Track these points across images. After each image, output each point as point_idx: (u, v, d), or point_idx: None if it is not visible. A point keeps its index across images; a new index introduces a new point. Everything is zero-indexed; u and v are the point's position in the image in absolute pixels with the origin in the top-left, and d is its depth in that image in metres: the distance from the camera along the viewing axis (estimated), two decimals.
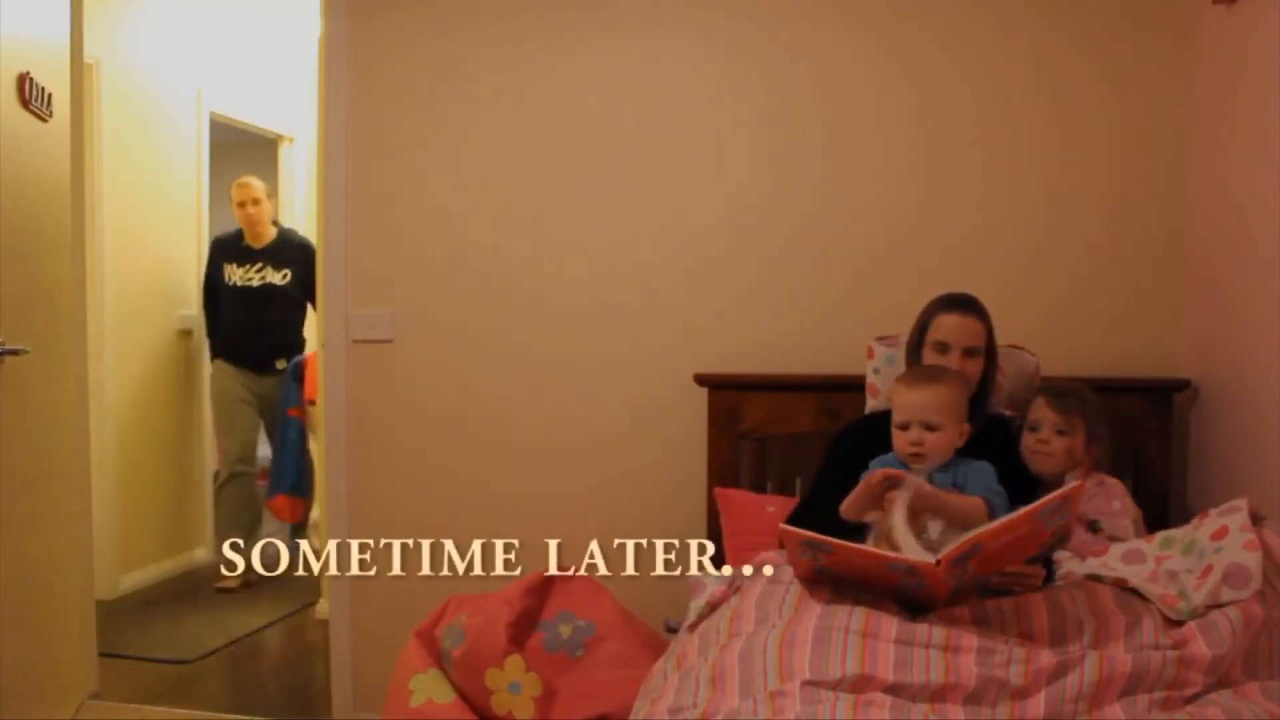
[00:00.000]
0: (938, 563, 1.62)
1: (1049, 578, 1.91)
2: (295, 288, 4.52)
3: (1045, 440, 2.17)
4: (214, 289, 4.57)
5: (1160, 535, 1.92)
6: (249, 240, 4.52)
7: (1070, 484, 1.79)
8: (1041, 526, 1.74)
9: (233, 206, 4.48)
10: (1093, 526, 2.10)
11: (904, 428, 1.94)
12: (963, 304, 2.20)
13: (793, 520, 2.11)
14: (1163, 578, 1.83)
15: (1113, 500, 2.15)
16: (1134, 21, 2.58)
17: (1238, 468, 2.19)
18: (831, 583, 1.81)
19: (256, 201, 4.47)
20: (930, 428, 1.91)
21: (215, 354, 4.59)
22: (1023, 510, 1.68)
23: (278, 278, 4.49)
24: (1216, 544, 1.78)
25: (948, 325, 2.18)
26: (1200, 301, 2.51)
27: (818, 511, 2.12)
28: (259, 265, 4.50)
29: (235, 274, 4.50)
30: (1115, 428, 2.27)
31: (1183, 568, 1.82)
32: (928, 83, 2.66)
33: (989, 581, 1.79)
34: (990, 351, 2.22)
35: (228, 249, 4.55)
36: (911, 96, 2.67)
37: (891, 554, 1.70)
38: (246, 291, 4.48)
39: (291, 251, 4.54)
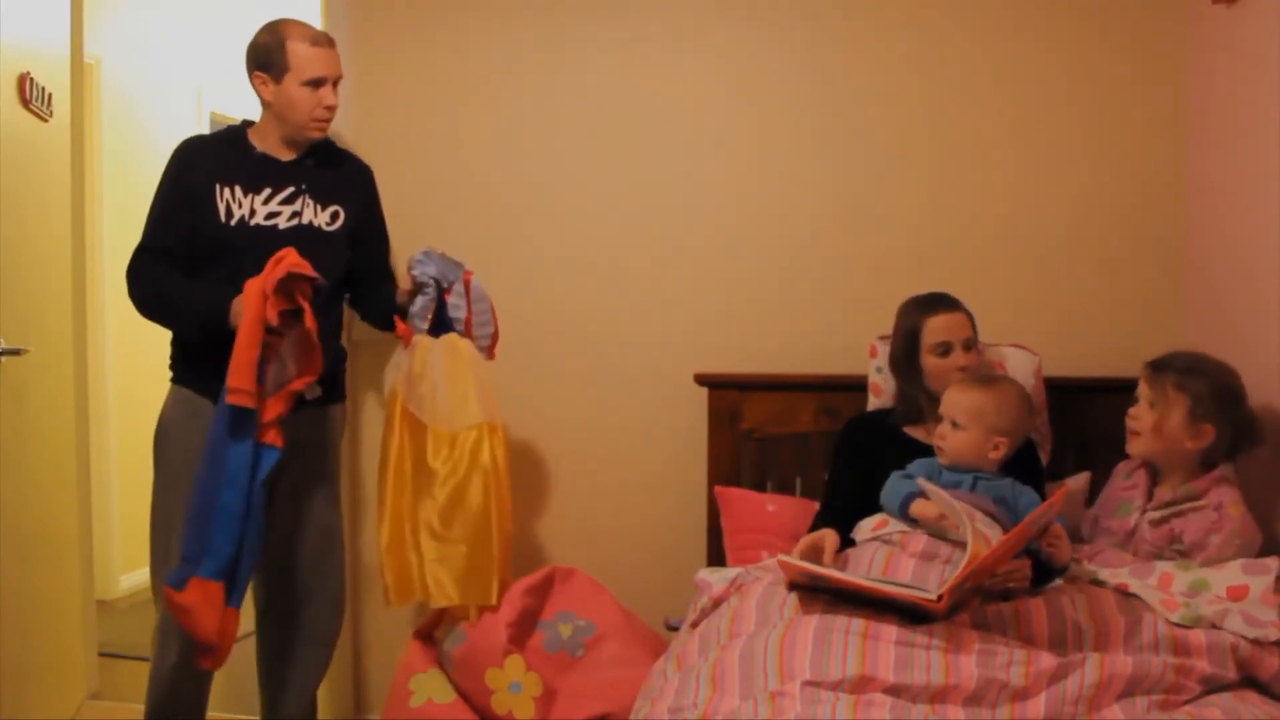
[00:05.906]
0: (939, 598, 1.63)
1: (1051, 578, 1.91)
2: (343, 241, 2.41)
3: (1135, 416, 2.01)
4: (187, 237, 2.32)
5: (1171, 564, 1.92)
6: (269, 147, 2.37)
7: (1055, 492, 1.83)
8: (1030, 534, 1.77)
9: (283, 81, 2.29)
10: (1175, 546, 1.96)
11: (939, 421, 2.06)
12: (945, 301, 2.22)
13: (814, 527, 2.14)
14: (1175, 591, 1.83)
15: (1212, 534, 1.89)
16: (1134, 21, 2.58)
17: (1239, 468, 2.18)
18: (828, 592, 1.82)
19: (338, 82, 2.37)
20: (955, 425, 2.01)
21: (181, 374, 2.45)
22: (1013, 533, 1.71)
23: (323, 218, 2.38)
24: (1236, 603, 1.78)
25: (943, 325, 2.18)
26: (1201, 301, 2.51)
27: (837, 510, 2.17)
28: (289, 192, 2.35)
29: (244, 204, 2.31)
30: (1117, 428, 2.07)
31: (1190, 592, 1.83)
32: (928, 86, 2.66)
33: (982, 586, 1.80)
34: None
35: (224, 160, 2.35)
36: (913, 100, 2.67)
37: (893, 590, 1.70)
38: (262, 237, 2.28)
39: (344, 176, 2.46)
